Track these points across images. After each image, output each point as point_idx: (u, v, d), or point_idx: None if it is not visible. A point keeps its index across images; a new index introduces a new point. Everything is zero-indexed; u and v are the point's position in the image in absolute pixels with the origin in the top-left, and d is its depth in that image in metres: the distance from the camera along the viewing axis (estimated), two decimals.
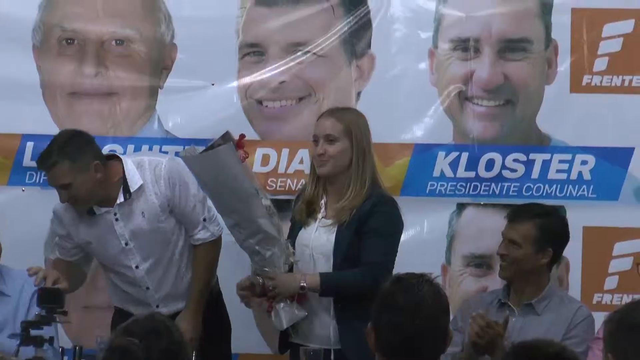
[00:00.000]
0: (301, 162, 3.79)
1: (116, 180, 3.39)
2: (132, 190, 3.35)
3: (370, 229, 3.24)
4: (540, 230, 3.23)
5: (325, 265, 3.27)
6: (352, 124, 3.28)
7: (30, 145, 3.83)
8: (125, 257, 3.40)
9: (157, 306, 3.50)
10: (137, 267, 3.43)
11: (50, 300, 3.08)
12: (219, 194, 3.27)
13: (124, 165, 3.44)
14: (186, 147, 3.41)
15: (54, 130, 3.77)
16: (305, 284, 3.20)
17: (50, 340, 3.06)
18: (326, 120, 3.31)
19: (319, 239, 3.29)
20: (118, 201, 3.39)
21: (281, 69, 3.81)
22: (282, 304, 3.25)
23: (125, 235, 3.38)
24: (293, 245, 3.35)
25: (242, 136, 3.28)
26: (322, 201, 3.34)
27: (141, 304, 3.52)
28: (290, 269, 3.31)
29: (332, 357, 3.21)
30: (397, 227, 3.36)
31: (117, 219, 3.38)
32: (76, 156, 3.38)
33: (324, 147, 3.23)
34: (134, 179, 3.41)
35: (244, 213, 3.22)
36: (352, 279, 3.22)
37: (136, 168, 3.45)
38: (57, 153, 3.35)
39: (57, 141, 3.41)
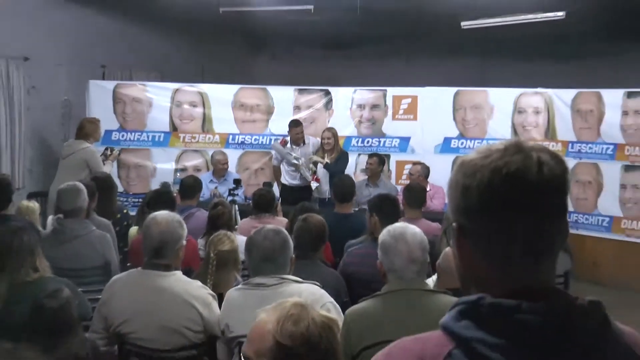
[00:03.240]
0: None
1: None
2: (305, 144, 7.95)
3: (336, 161, 7.82)
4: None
5: (326, 182, 7.96)
6: (334, 133, 7.91)
7: (230, 135, 8.77)
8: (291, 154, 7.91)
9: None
10: (296, 159, 7.83)
11: (236, 183, 6.99)
12: (283, 157, 8.03)
13: None
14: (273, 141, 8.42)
15: (237, 130, 9.01)
16: (328, 161, 7.79)
17: (237, 195, 6.87)
18: (327, 131, 7.91)
19: (325, 174, 7.87)
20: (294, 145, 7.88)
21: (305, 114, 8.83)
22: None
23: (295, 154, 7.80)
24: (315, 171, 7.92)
25: (284, 139, 8.03)
26: (326, 159, 7.80)
27: (294, 178, 7.99)
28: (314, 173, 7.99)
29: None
30: (347, 161, 7.88)
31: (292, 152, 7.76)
32: None
33: (328, 142, 7.81)
34: (305, 139, 8.06)
35: (287, 159, 7.98)
36: (334, 169, 7.61)
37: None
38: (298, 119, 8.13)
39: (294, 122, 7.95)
